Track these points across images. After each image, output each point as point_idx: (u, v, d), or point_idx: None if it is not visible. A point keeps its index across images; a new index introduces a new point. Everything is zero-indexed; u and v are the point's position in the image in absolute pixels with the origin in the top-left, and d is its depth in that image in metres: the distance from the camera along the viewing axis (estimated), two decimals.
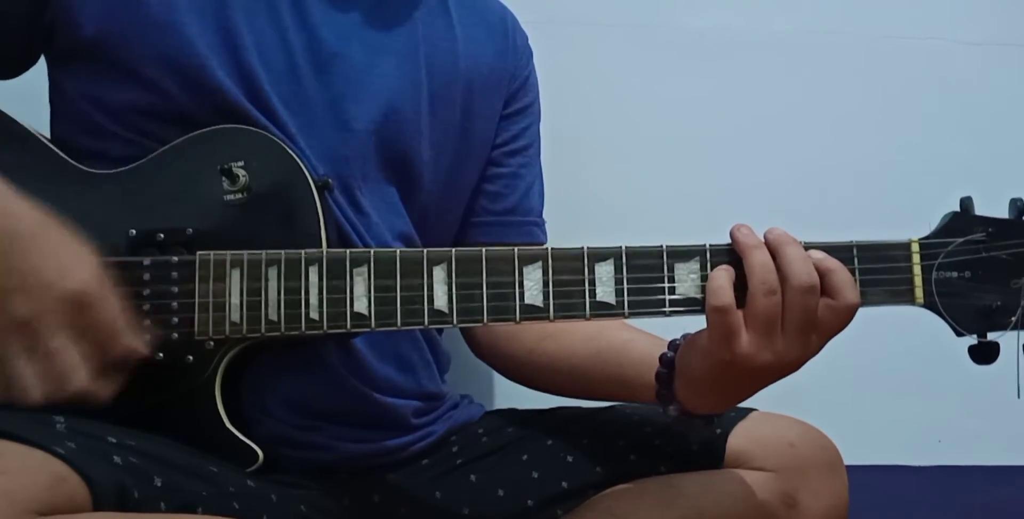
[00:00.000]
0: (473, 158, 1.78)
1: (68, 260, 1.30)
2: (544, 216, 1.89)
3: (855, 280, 1.40)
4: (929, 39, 2.34)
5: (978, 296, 1.40)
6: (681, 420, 1.53)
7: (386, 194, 1.65)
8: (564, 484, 1.64)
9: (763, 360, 1.36)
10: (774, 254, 1.38)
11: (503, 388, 2.12)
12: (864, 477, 2.08)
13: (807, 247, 1.39)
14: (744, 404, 1.64)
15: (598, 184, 2.25)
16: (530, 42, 1.90)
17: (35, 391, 1.26)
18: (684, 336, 1.49)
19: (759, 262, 1.37)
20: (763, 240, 1.40)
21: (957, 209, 1.43)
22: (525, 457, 1.68)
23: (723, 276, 1.37)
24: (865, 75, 2.34)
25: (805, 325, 1.36)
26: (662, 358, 1.52)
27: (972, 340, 1.42)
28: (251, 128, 1.52)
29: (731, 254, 1.41)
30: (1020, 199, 1.41)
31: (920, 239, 1.42)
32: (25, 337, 1.26)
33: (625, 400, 1.69)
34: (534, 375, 1.80)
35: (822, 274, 1.36)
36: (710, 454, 1.61)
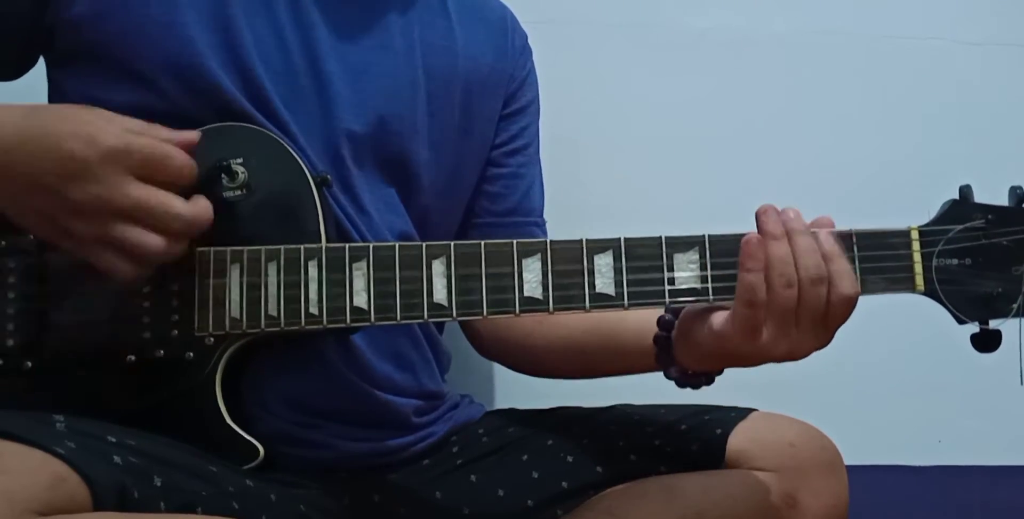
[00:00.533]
0: (473, 158, 1.79)
1: (85, 127, 1.31)
2: (545, 216, 1.89)
3: (855, 268, 1.40)
4: (929, 39, 2.34)
5: (979, 283, 1.39)
6: (683, 380, 1.54)
7: (385, 194, 1.65)
8: (564, 484, 1.64)
9: (779, 352, 1.37)
10: (789, 237, 1.38)
11: (503, 388, 2.12)
12: (864, 477, 2.08)
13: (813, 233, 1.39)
14: (744, 404, 1.65)
15: (598, 184, 2.25)
16: (530, 42, 1.90)
17: (154, 244, 1.32)
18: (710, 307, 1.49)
19: (779, 255, 1.36)
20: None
21: (956, 197, 1.43)
22: (525, 457, 1.68)
23: (759, 269, 1.36)
24: (865, 75, 2.34)
25: (816, 316, 1.36)
26: (660, 321, 1.53)
27: (974, 328, 1.41)
28: (249, 125, 1.52)
29: (730, 243, 1.40)
30: (1020, 187, 1.41)
31: (920, 226, 1.42)
32: (103, 211, 1.30)
33: (624, 371, 1.67)
34: (534, 359, 1.81)
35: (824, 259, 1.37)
36: (710, 454, 1.61)
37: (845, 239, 1.41)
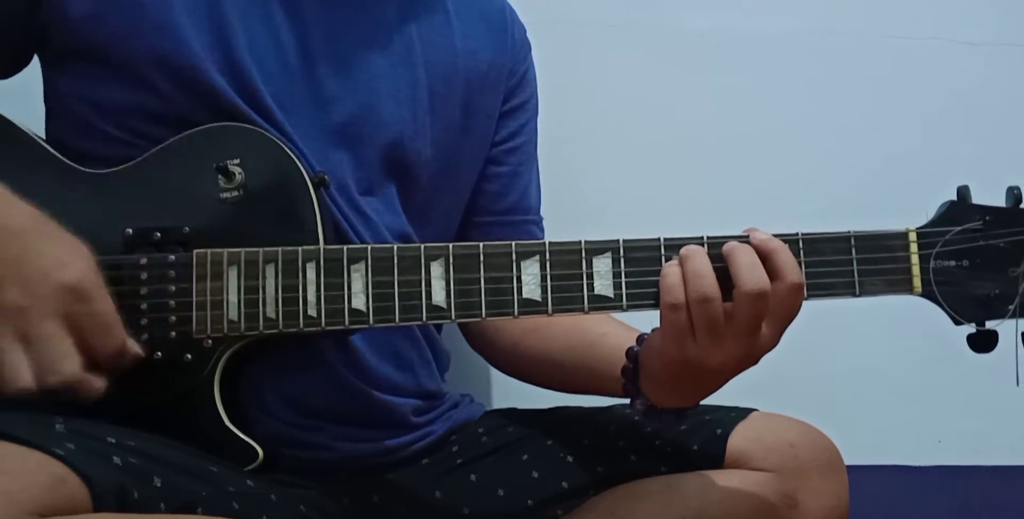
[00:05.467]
0: (473, 156, 1.79)
1: (64, 253, 1.31)
2: (545, 216, 1.89)
3: (853, 270, 1.40)
4: (929, 39, 2.34)
5: (976, 284, 1.40)
6: (649, 415, 1.53)
7: (385, 194, 1.65)
8: (564, 484, 1.64)
9: (715, 362, 1.37)
10: (727, 258, 1.37)
11: (503, 388, 2.12)
12: (864, 477, 2.07)
13: (748, 234, 1.39)
14: (744, 404, 1.64)
15: (597, 185, 2.25)
16: (530, 43, 1.90)
17: (25, 376, 1.26)
18: (655, 330, 1.48)
19: (691, 270, 1.36)
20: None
21: (954, 198, 1.43)
22: (525, 457, 1.68)
23: (677, 273, 1.37)
24: (865, 75, 2.34)
25: (753, 326, 1.36)
26: (628, 353, 1.53)
27: (971, 329, 1.41)
28: (246, 125, 1.52)
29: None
30: (1017, 187, 1.41)
31: (918, 228, 1.42)
32: (18, 324, 1.26)
33: (600, 394, 1.67)
34: (519, 368, 1.83)
35: (764, 256, 1.36)
36: (710, 454, 1.60)
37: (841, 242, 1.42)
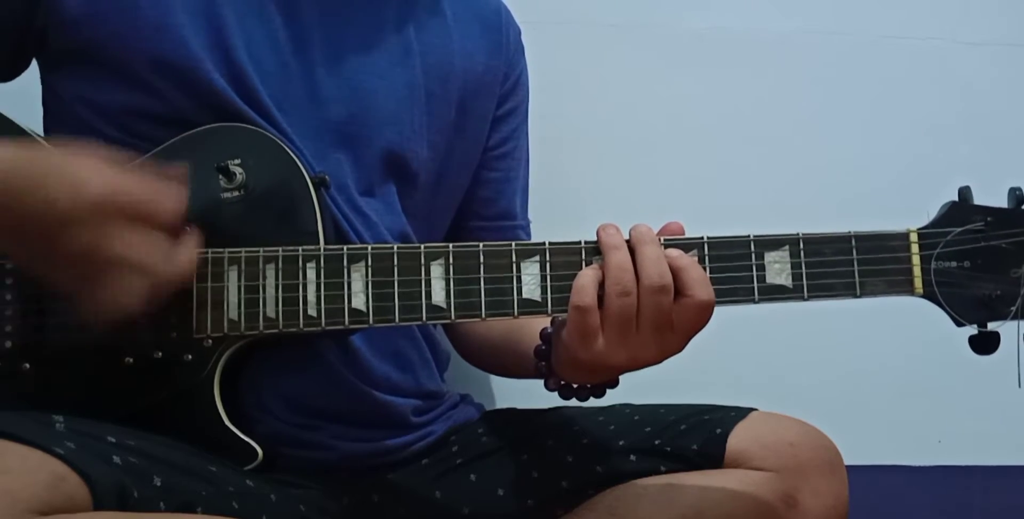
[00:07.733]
0: (466, 157, 1.79)
1: (71, 175, 1.30)
2: (542, 216, 1.91)
3: (854, 270, 1.40)
4: (929, 39, 2.34)
5: (978, 286, 1.39)
6: (563, 393, 1.55)
7: (384, 193, 1.65)
8: (564, 484, 1.63)
9: (617, 360, 1.38)
10: (632, 253, 1.38)
11: (503, 388, 2.12)
12: (864, 477, 2.08)
13: (666, 244, 1.40)
14: (744, 404, 1.64)
15: (596, 185, 2.25)
16: (528, 42, 1.90)
17: (134, 299, 1.30)
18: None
19: (615, 263, 1.37)
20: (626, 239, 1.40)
21: (955, 199, 1.43)
22: (525, 457, 1.68)
23: (589, 275, 1.37)
24: (865, 75, 2.34)
25: (659, 324, 1.36)
26: (542, 333, 1.55)
27: (972, 330, 1.41)
28: (247, 126, 1.52)
29: (729, 246, 1.41)
30: (1019, 188, 1.41)
31: (919, 229, 1.41)
32: (90, 261, 1.29)
33: (525, 376, 1.68)
34: (466, 351, 1.88)
35: (674, 272, 1.36)
36: (710, 454, 1.60)
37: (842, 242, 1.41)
